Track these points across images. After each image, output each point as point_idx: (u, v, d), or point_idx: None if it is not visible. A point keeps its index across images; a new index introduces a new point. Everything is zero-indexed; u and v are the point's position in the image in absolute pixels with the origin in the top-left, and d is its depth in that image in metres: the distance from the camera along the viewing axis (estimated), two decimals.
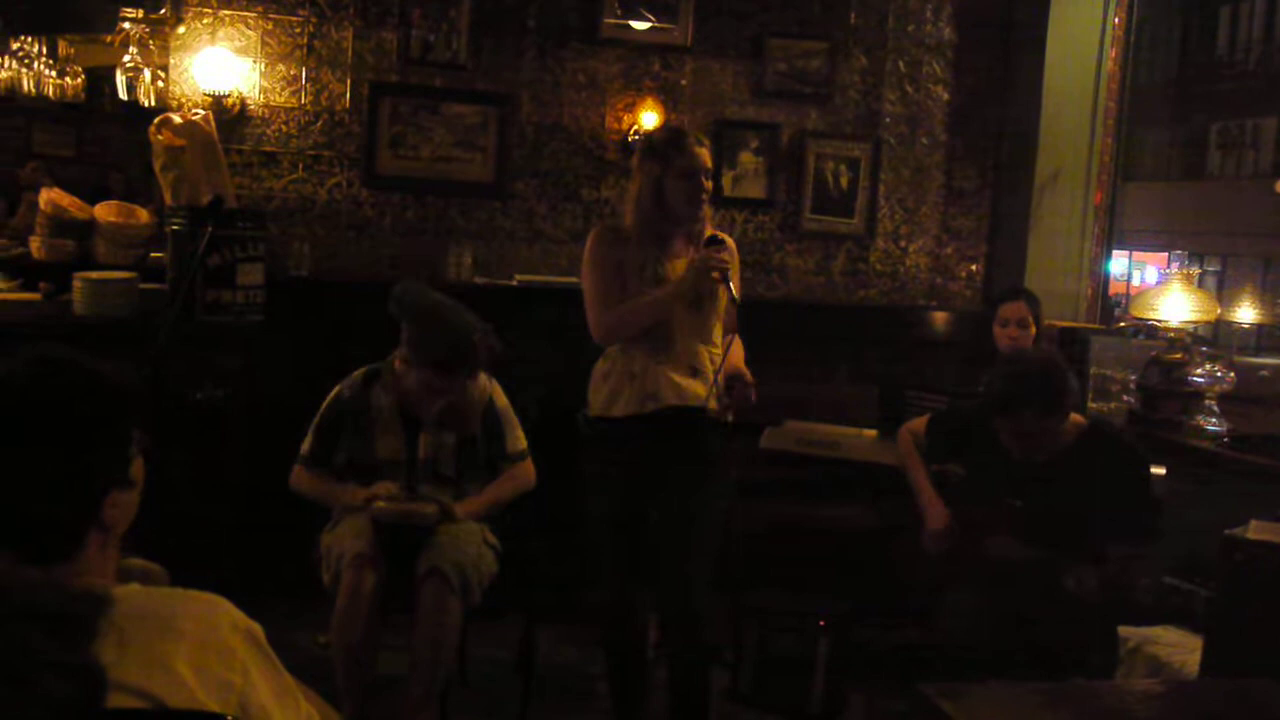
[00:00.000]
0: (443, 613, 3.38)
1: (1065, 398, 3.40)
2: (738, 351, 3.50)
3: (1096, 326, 5.47)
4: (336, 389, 3.78)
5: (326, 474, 3.73)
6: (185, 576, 1.91)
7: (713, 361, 3.40)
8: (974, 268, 5.72)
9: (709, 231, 3.41)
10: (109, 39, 4.74)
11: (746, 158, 5.34)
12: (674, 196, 3.33)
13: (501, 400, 3.81)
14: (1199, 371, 4.37)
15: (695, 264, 3.33)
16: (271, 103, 4.97)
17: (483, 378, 3.80)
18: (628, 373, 3.37)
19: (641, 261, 3.37)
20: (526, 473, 3.82)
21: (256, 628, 1.53)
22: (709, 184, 3.37)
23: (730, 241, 3.48)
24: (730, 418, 3.46)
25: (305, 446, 3.76)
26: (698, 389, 3.35)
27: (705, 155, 3.37)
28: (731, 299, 3.36)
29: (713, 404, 3.38)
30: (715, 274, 3.30)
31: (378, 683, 3.46)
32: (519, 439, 3.82)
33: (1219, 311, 4.68)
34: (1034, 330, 4.45)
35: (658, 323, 3.35)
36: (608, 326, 3.40)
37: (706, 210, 3.41)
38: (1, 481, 1.45)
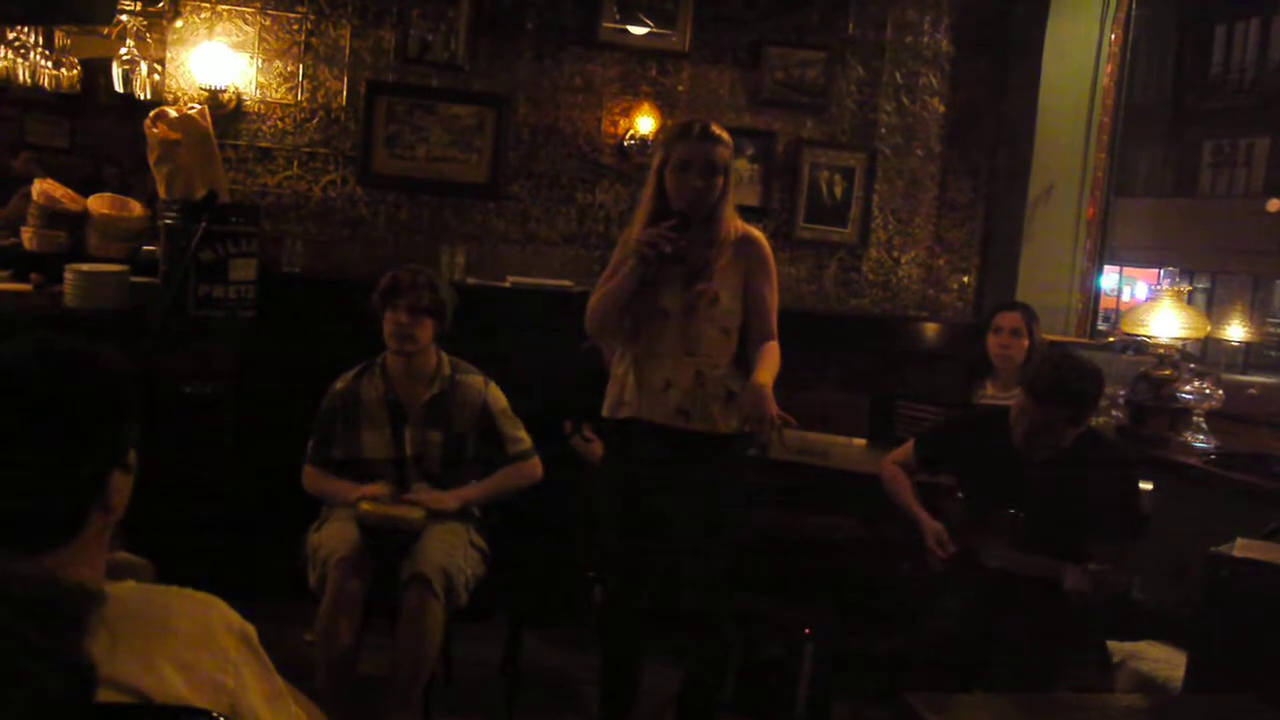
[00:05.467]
0: (425, 618, 3.38)
1: (1092, 411, 3.43)
2: (768, 368, 3.28)
3: (1086, 340, 5.48)
4: (333, 385, 3.80)
5: (329, 470, 3.74)
6: (172, 572, 1.90)
7: (702, 376, 3.28)
8: (966, 279, 5.74)
9: (734, 233, 3.31)
10: (106, 31, 4.73)
11: (742, 165, 5.33)
12: (670, 189, 3.24)
13: (499, 403, 3.81)
14: (1187, 388, 4.38)
15: (637, 239, 3.23)
16: (268, 99, 4.96)
17: (479, 380, 3.80)
18: (615, 375, 3.40)
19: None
20: (532, 469, 3.82)
21: (250, 629, 1.52)
22: (718, 181, 3.24)
23: (759, 237, 3.37)
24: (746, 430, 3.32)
25: (310, 444, 3.77)
26: (667, 403, 3.28)
27: (718, 151, 3.23)
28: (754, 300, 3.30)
29: (692, 423, 3.29)
30: (646, 250, 3.17)
31: (360, 683, 3.45)
32: (521, 440, 3.82)
33: (1209, 329, 4.69)
34: (1026, 342, 4.46)
35: (619, 310, 3.27)
36: (588, 311, 3.36)
37: (727, 212, 3.29)
38: (3, 467, 1.44)
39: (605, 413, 3.40)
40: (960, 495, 3.63)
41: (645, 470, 3.32)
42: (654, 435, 3.30)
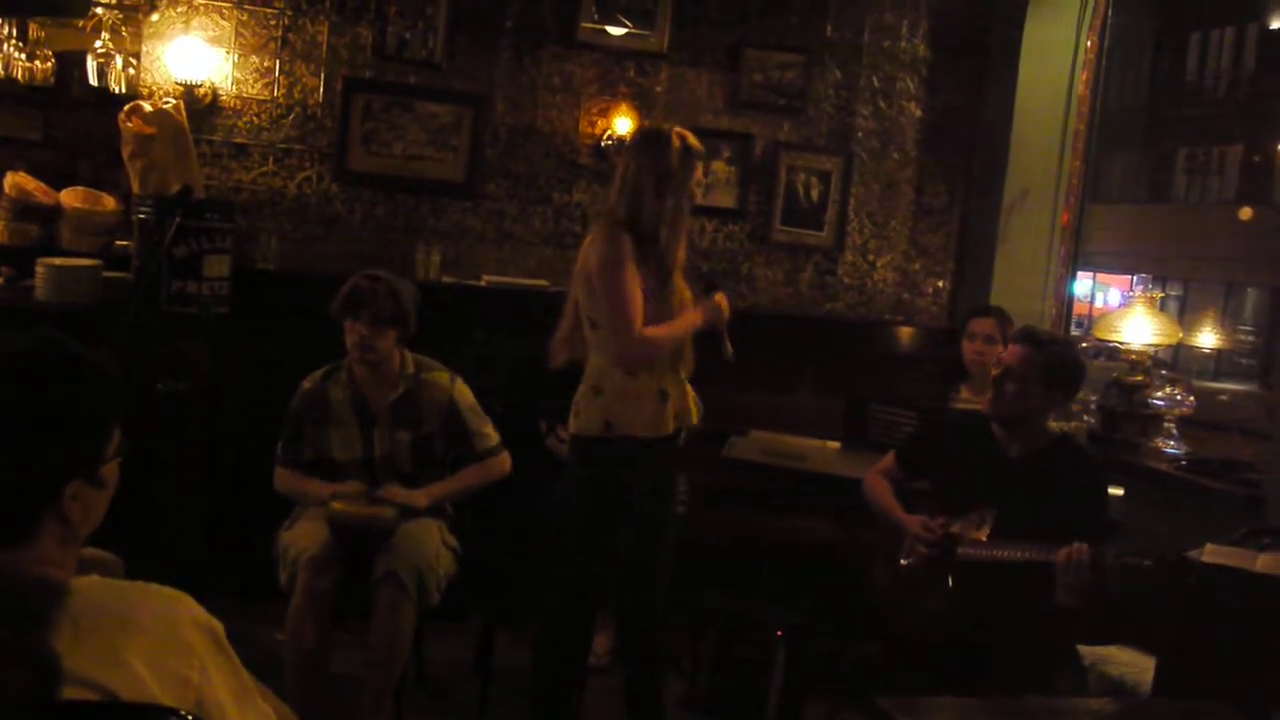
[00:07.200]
0: (397, 616, 3.37)
1: (1063, 382, 3.43)
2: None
3: None
4: (301, 385, 3.78)
5: (299, 471, 3.72)
6: (142, 568, 1.89)
7: (682, 381, 3.38)
8: (940, 284, 5.76)
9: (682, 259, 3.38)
10: (81, 23, 4.69)
11: (719, 167, 5.34)
12: (685, 202, 3.29)
13: (466, 399, 3.79)
14: (1159, 394, 4.41)
15: (709, 310, 3.38)
16: (244, 94, 4.94)
17: (444, 376, 3.79)
18: (594, 389, 3.32)
19: (649, 258, 3.25)
20: (500, 465, 3.81)
21: (217, 625, 1.51)
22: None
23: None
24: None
25: (280, 445, 3.75)
26: (666, 415, 3.31)
27: None
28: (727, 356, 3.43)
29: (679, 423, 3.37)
30: (721, 330, 3.40)
31: (330, 682, 3.44)
32: (489, 436, 3.81)
33: (1180, 335, 4.72)
34: (1001, 348, 4.48)
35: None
36: (655, 343, 3.24)
37: None
38: None
39: (597, 433, 3.28)
40: (935, 498, 3.63)
41: (639, 482, 3.31)
42: (658, 449, 3.30)
